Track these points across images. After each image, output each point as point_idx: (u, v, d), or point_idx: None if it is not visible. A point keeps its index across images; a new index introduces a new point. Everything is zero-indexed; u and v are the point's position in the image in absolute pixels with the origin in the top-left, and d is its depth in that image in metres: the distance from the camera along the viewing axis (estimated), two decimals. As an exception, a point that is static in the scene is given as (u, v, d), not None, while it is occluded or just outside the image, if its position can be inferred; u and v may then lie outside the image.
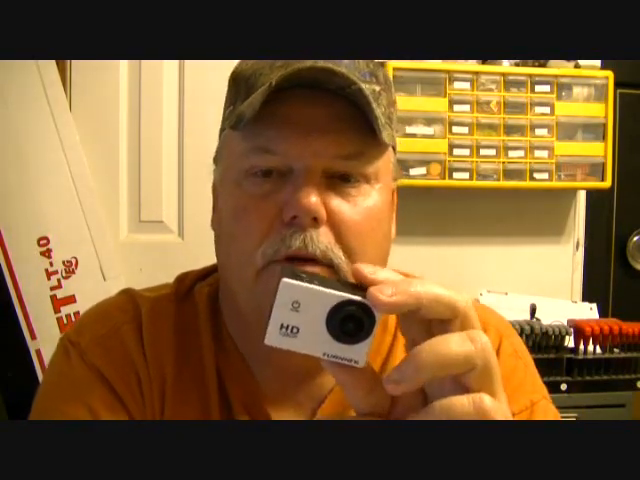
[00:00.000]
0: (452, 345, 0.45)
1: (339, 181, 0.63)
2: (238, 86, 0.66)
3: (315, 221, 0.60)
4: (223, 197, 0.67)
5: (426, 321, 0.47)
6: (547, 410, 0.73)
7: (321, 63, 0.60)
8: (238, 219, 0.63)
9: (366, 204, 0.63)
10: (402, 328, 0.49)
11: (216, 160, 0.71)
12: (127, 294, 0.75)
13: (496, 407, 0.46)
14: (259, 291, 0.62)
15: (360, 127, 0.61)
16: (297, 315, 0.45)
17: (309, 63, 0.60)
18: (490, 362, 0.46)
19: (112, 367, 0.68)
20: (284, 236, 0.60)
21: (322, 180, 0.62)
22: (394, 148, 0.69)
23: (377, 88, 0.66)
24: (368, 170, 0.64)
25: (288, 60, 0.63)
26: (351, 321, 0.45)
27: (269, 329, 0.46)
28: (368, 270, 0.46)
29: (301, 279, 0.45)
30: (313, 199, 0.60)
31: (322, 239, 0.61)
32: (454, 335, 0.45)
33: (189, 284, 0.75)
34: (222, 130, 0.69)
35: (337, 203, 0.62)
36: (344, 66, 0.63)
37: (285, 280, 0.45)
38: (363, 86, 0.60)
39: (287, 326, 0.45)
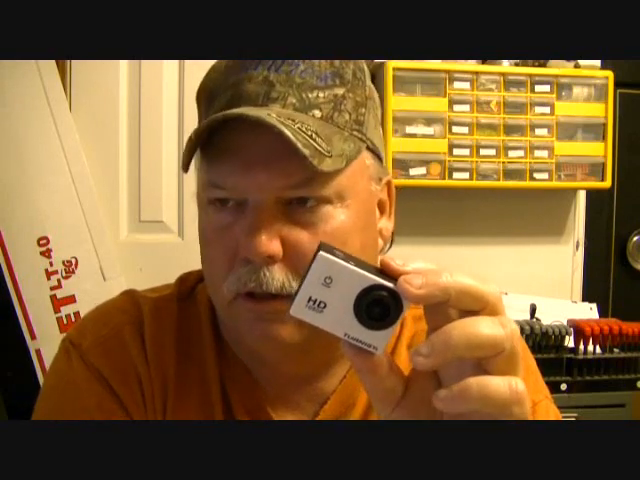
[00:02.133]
0: (483, 327, 0.44)
1: (296, 206, 0.61)
2: (200, 106, 0.67)
3: (270, 259, 0.60)
4: (198, 215, 0.67)
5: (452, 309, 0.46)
6: (549, 410, 0.73)
7: (236, 110, 0.59)
8: (206, 247, 0.65)
9: (327, 229, 0.61)
10: (426, 315, 0.48)
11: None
12: (129, 295, 0.75)
13: (527, 394, 0.46)
14: (232, 318, 0.65)
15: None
16: (327, 291, 0.45)
17: (221, 113, 0.58)
18: (517, 348, 0.46)
19: (113, 368, 0.68)
20: (240, 275, 0.61)
21: (277, 209, 0.60)
22: (372, 149, 0.66)
23: (340, 91, 0.63)
24: (325, 192, 0.61)
25: (239, 74, 0.62)
26: (379, 306, 0.45)
27: (297, 300, 0.45)
28: (397, 262, 0.46)
29: (337, 256, 0.45)
30: (263, 240, 0.58)
31: (277, 276, 0.60)
32: (485, 318, 0.45)
33: (191, 285, 0.75)
34: None
35: (294, 234, 0.60)
36: (297, 75, 0.61)
37: (322, 254, 0.45)
38: (316, 98, 0.60)
39: (315, 300, 0.45)
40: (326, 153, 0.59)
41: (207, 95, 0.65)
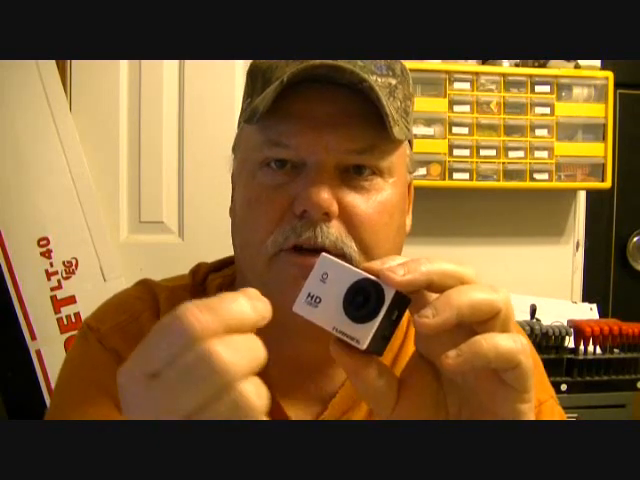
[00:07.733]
0: (479, 290, 0.46)
1: (353, 174, 0.64)
2: (255, 80, 0.67)
3: (326, 216, 0.61)
4: (239, 187, 0.69)
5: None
6: (554, 410, 0.74)
7: (331, 61, 0.61)
8: (251, 209, 0.65)
9: (379, 198, 0.64)
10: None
11: (234, 150, 0.72)
12: (145, 284, 0.77)
13: (528, 346, 0.47)
14: (270, 279, 0.63)
15: (373, 122, 0.62)
16: (323, 286, 0.47)
17: (319, 61, 0.61)
18: (510, 311, 0.47)
19: (131, 351, 0.68)
20: (295, 226, 0.62)
21: (335, 174, 0.62)
22: (410, 142, 0.70)
23: (393, 81, 0.66)
24: (381, 164, 0.64)
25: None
26: (362, 298, 0.46)
27: (299, 296, 0.48)
28: (377, 263, 0.47)
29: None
30: (324, 195, 0.60)
31: (332, 231, 0.62)
32: (479, 284, 0.47)
33: (202, 275, 0.77)
34: (240, 122, 0.70)
35: (350, 197, 0.63)
36: (359, 60, 0.63)
37: (324, 254, 0.48)
38: (375, 82, 0.61)
39: (312, 295, 0.48)
40: (396, 120, 0.63)
41: (265, 68, 0.66)
